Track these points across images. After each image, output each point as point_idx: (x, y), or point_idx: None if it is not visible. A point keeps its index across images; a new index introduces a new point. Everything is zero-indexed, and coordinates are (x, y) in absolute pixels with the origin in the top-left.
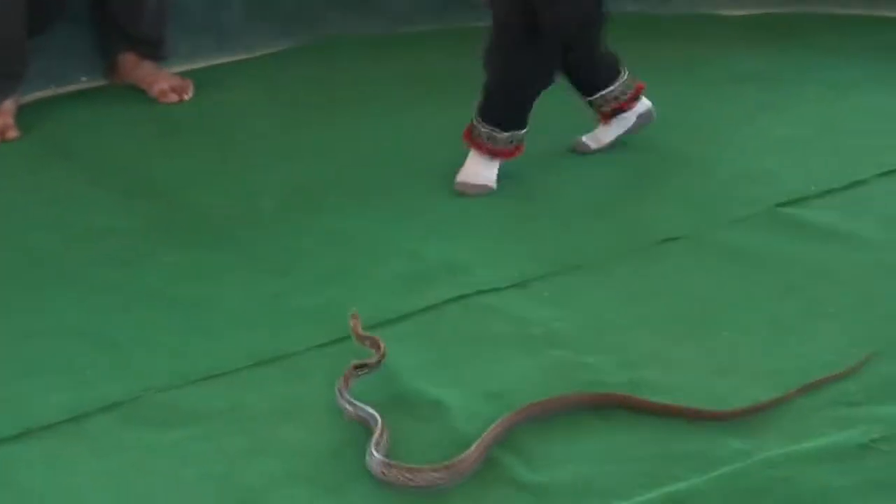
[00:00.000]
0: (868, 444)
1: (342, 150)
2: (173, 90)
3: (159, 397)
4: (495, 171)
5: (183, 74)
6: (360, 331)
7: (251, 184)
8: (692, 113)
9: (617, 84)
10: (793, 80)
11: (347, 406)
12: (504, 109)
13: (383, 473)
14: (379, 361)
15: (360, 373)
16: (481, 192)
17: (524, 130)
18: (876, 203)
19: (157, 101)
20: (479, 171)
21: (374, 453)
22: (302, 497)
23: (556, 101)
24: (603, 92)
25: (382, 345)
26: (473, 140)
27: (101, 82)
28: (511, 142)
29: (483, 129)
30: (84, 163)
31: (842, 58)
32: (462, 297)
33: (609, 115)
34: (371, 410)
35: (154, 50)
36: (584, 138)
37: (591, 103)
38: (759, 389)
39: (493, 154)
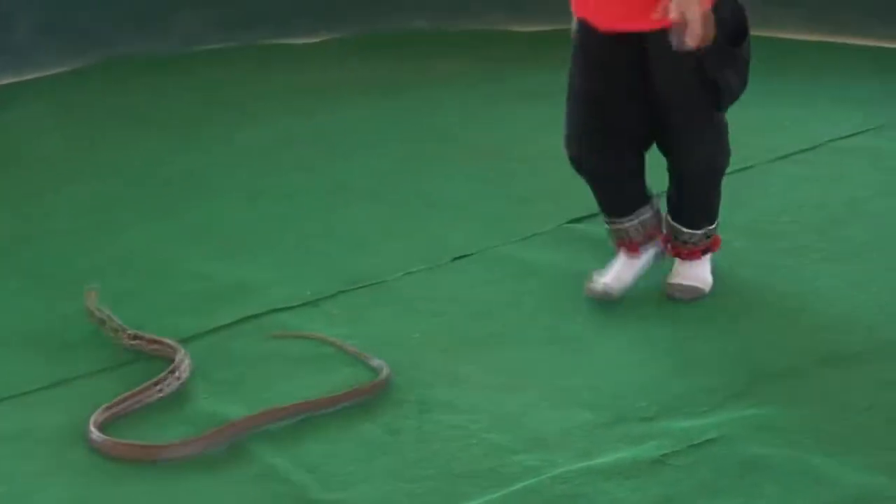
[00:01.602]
0: (660, 458)
1: (134, 168)
2: None
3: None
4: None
5: None
6: (94, 308)
7: (41, 204)
8: (482, 129)
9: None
10: None
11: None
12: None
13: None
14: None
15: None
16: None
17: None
18: None
19: None
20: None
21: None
22: None
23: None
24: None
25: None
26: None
27: None
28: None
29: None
30: None
31: None
32: (254, 316)
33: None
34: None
35: None
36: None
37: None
38: (548, 406)
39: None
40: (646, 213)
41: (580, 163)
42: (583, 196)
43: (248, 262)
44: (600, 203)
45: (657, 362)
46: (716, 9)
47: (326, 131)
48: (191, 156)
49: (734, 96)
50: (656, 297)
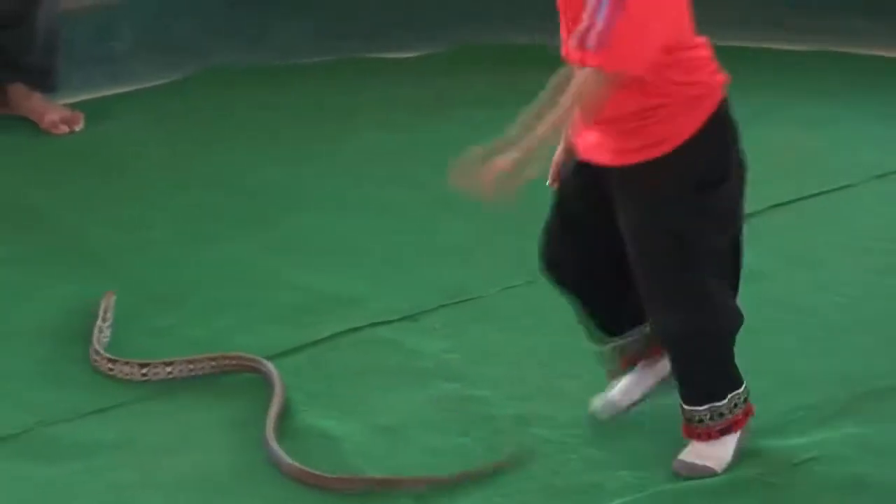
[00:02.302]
0: (758, 477)
1: (231, 179)
2: (63, 122)
3: (49, 431)
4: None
5: (73, 106)
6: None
7: (140, 214)
8: None
9: None
10: None
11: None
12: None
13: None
14: None
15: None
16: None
17: None
18: (765, 237)
19: (48, 132)
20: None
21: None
22: None
23: None
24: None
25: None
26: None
27: None
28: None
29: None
30: None
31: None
32: (354, 329)
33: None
34: None
35: (43, 81)
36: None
37: None
38: (647, 423)
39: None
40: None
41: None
42: None
43: (346, 274)
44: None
45: (757, 379)
46: (681, 151)
47: (423, 145)
48: (287, 167)
49: (714, 253)
50: (753, 314)
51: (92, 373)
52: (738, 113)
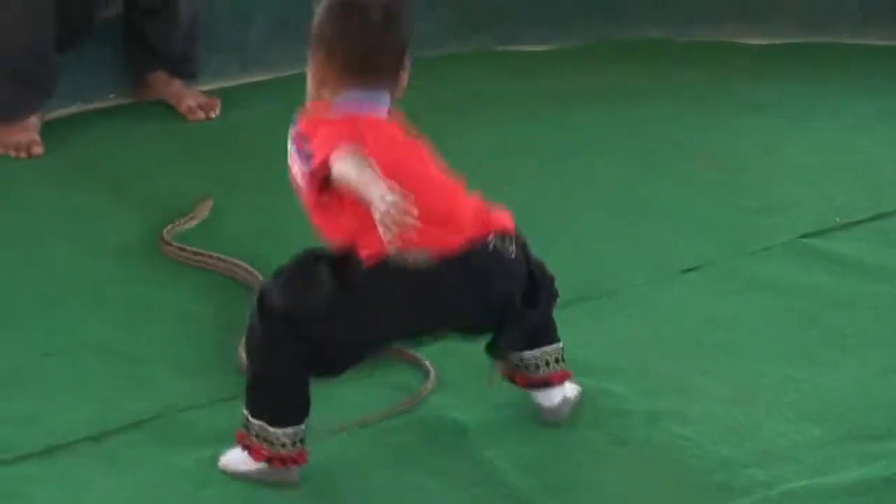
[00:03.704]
0: (890, 478)
1: None
2: (200, 108)
3: (182, 416)
4: None
5: (210, 93)
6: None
7: (272, 202)
8: (711, 141)
9: None
10: (814, 110)
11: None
12: None
13: None
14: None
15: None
16: None
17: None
18: None
19: (186, 118)
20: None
21: None
22: None
23: None
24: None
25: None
26: None
27: (128, 99)
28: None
29: None
30: (107, 179)
31: (863, 88)
32: None
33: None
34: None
35: (184, 68)
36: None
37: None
38: (778, 420)
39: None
40: None
41: None
42: (815, 210)
43: None
44: None
45: (890, 378)
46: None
47: (555, 139)
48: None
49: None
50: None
51: (226, 360)
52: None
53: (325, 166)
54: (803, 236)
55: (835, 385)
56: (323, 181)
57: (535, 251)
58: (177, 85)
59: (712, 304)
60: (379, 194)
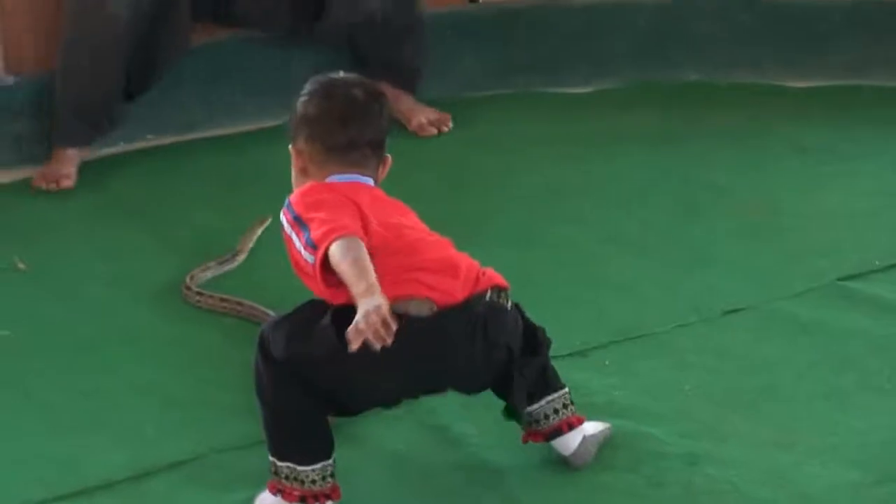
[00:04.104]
0: None
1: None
2: (432, 124)
3: (223, 458)
4: None
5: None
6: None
7: None
8: (753, 183)
9: None
10: (855, 153)
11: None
12: None
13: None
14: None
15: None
16: None
17: None
18: None
19: (416, 134)
20: None
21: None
22: None
23: None
24: None
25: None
26: None
27: (169, 140)
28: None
29: None
30: (150, 217)
31: None
32: None
33: None
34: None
35: (411, 81)
36: None
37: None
38: (817, 463)
39: None
40: None
41: None
42: (856, 253)
43: None
44: None
45: None
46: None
47: (596, 181)
48: (460, 201)
49: None
50: None
51: None
52: None
53: (325, 260)
54: (843, 279)
55: (873, 428)
56: (325, 267)
57: (577, 293)
58: (407, 100)
59: (752, 347)
60: (365, 299)
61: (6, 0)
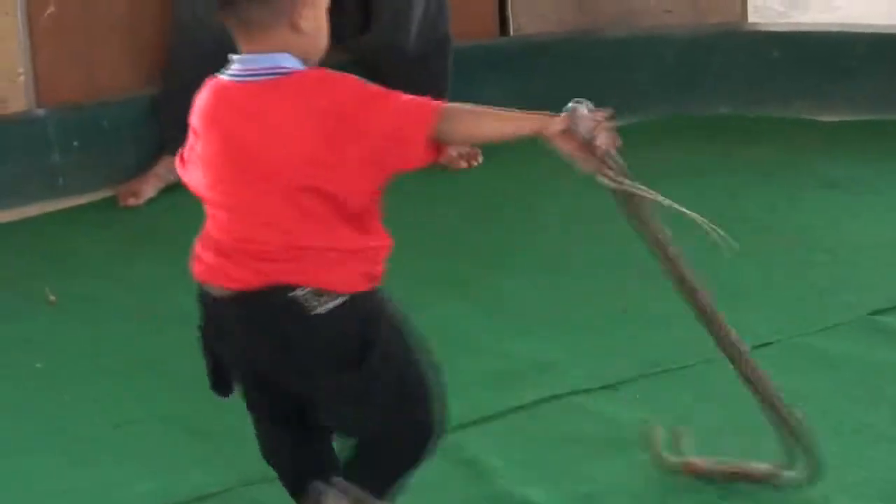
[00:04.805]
0: None
1: (435, 242)
2: (462, 157)
3: (252, 490)
4: None
5: None
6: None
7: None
8: (783, 217)
9: None
10: (884, 187)
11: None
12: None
13: None
14: None
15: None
16: None
17: None
18: None
19: (446, 168)
20: None
21: None
22: None
23: None
24: None
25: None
26: None
27: None
28: None
29: None
30: (174, 246)
31: None
32: (554, 397)
33: None
34: None
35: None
36: None
37: None
38: (846, 498)
39: None
40: None
41: None
42: (886, 287)
43: (546, 340)
44: None
45: None
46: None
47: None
48: (491, 231)
49: None
50: None
51: None
52: None
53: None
54: (873, 313)
55: None
56: None
57: (605, 328)
58: None
59: (782, 381)
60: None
61: (36, 33)
